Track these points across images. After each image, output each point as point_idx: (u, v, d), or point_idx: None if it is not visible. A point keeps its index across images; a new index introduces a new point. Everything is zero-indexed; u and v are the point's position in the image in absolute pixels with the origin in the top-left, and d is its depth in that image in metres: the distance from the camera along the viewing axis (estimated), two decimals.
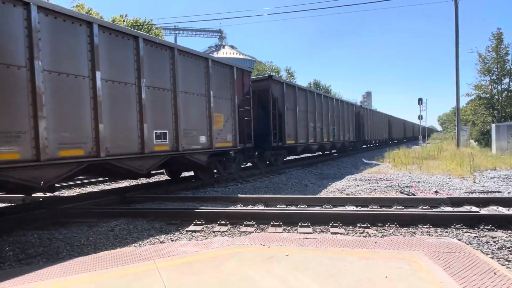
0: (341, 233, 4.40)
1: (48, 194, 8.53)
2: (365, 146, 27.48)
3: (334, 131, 17.65)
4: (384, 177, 10.24)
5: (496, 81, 28.04)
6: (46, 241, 4.34)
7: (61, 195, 8.50)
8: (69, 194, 8.55)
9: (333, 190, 8.47)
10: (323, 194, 8.05)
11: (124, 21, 27.76)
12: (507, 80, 27.72)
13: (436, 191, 7.64)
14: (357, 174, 11.31)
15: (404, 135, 46.35)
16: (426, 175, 10.62)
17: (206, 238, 4.39)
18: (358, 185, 8.88)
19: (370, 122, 26.00)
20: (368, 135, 25.15)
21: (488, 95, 28.43)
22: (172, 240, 4.37)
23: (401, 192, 7.58)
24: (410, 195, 7.09)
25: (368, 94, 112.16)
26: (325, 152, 18.79)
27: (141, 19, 29.17)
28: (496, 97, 28.21)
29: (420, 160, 14.39)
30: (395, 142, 38.96)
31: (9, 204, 7.36)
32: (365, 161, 17.14)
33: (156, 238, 4.46)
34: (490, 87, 28.35)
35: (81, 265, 3.39)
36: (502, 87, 28.06)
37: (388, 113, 35.68)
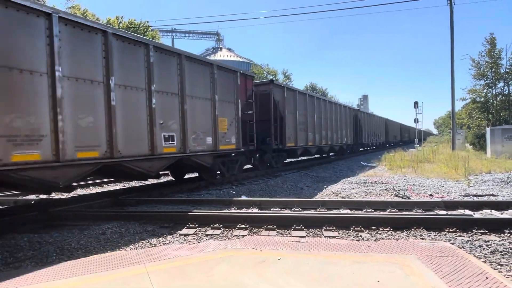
0: (334, 237, 4.38)
1: (41, 197, 8.45)
2: (362, 149, 27.58)
3: (333, 134, 17.75)
4: (379, 180, 10.24)
5: (491, 85, 28.28)
6: (36, 244, 4.28)
7: (53, 197, 8.41)
8: (62, 197, 8.46)
9: (329, 193, 8.45)
10: (318, 197, 8.03)
11: (120, 23, 27.69)
12: (501, 84, 27.99)
13: (430, 194, 7.64)
14: (352, 177, 11.30)
15: (400, 138, 46.59)
16: (422, 178, 10.63)
17: (199, 242, 4.35)
18: (353, 188, 8.88)
19: (367, 125, 26.14)
20: (365, 138, 25.28)
21: (482, 99, 28.65)
22: (164, 244, 4.32)
23: (396, 195, 7.58)
24: (404, 198, 7.09)
25: (365, 97, 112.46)
26: (323, 155, 18.82)
27: (137, 21, 29.12)
28: (491, 101, 28.43)
29: (415, 163, 14.43)
30: (392, 145, 39.09)
31: (0, 207, 7.26)
32: (362, 163, 17.16)
33: (148, 242, 4.41)
34: (484, 91, 28.58)
35: (70, 269, 3.34)
36: (497, 91, 28.31)
37: (385, 116, 35.88)
